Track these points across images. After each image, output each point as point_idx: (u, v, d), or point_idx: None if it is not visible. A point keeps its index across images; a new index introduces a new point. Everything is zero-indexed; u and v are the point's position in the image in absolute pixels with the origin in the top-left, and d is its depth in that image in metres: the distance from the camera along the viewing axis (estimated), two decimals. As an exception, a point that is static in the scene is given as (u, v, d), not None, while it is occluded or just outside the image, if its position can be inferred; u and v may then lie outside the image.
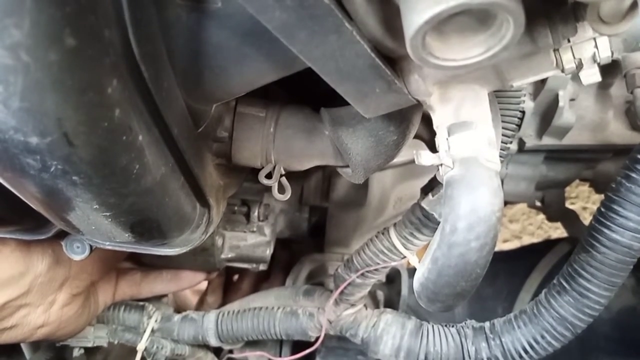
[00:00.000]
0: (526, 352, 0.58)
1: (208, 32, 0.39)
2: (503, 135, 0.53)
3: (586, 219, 1.23)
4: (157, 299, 0.86)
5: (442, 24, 0.28)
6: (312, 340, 0.73)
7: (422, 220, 0.55)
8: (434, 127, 0.40)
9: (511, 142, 0.56)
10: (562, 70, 0.39)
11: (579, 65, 0.39)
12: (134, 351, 0.77)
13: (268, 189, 0.54)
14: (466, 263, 0.36)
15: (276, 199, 0.54)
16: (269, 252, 0.85)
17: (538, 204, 1.18)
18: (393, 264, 0.60)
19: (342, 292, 0.66)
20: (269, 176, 0.53)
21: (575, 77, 0.91)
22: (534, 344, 0.57)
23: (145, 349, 0.77)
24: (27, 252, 0.60)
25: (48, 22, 0.25)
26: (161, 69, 0.36)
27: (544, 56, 0.39)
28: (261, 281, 1.07)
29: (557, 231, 2.13)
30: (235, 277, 1.10)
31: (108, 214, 0.39)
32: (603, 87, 0.97)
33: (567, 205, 1.19)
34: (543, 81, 0.91)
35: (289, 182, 0.54)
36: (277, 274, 1.06)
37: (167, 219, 0.45)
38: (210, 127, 0.50)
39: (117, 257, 0.78)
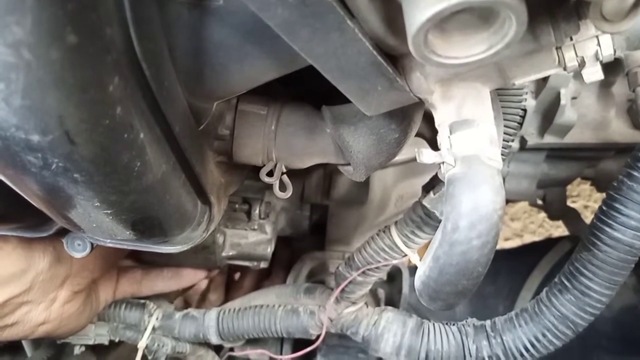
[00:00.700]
0: (527, 350, 0.58)
1: (209, 29, 0.39)
2: (505, 133, 0.53)
3: (587, 217, 1.23)
4: (158, 296, 0.86)
5: (445, 21, 0.28)
6: (313, 338, 0.73)
7: (423, 219, 0.55)
8: (436, 125, 0.40)
9: (513, 140, 0.56)
10: (565, 68, 0.39)
11: (582, 63, 0.39)
12: (135, 350, 0.77)
13: (269, 186, 0.53)
14: (468, 261, 0.36)
15: (277, 197, 0.54)
16: (270, 250, 0.85)
17: (539, 202, 1.18)
18: (394, 262, 0.60)
19: (343, 290, 0.67)
20: (270, 174, 0.53)
21: (577, 75, 0.91)
22: (535, 342, 0.57)
23: (146, 347, 0.77)
24: (29, 250, 0.60)
25: (50, 20, 0.25)
26: (162, 67, 0.36)
27: (546, 54, 0.38)
28: (262, 279, 1.08)
29: (559, 230, 2.13)
30: (237, 275, 1.10)
31: (109, 211, 0.39)
32: (605, 86, 0.97)
33: (569, 203, 1.19)
34: (545, 79, 0.91)
35: (290, 180, 0.54)
36: (278, 272, 1.06)
37: (168, 216, 0.45)
38: (211, 125, 0.50)
39: (118, 255, 0.78)
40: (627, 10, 0.32)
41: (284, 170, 0.54)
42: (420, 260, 0.42)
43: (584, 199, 2.15)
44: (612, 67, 0.87)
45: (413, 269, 0.52)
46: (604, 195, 0.54)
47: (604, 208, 0.52)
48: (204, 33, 0.39)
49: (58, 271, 0.64)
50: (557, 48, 0.38)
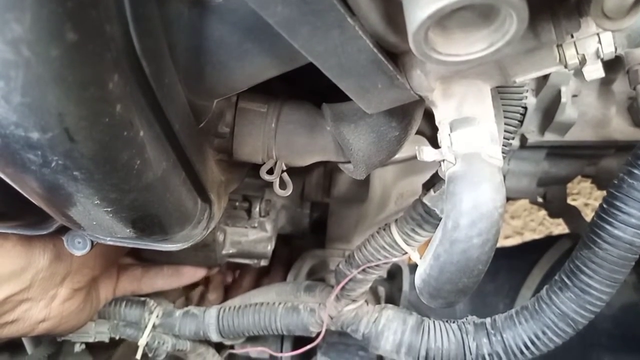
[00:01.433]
0: (527, 348, 0.58)
1: (209, 27, 0.39)
2: (505, 131, 0.53)
3: (588, 215, 1.23)
4: (158, 294, 0.86)
5: (445, 19, 0.28)
6: (313, 335, 0.73)
7: (423, 217, 0.55)
8: (436, 122, 0.40)
9: (513, 138, 0.56)
10: (565, 66, 0.39)
11: (582, 61, 0.38)
12: (136, 348, 0.77)
13: (269, 184, 0.53)
14: (468, 259, 0.36)
15: (277, 195, 0.54)
16: (270, 247, 0.85)
17: (540, 200, 1.18)
18: (394, 260, 0.60)
19: (343, 288, 0.67)
20: (270, 172, 0.53)
21: (578, 73, 0.91)
22: (535, 340, 0.57)
23: (147, 345, 0.77)
24: (29, 247, 0.60)
25: (49, 17, 0.25)
26: (162, 65, 0.36)
27: (547, 52, 0.38)
28: (262, 277, 1.08)
29: (559, 227, 2.13)
30: (236, 273, 1.10)
31: (109, 209, 0.39)
32: (606, 83, 0.97)
33: (569, 201, 1.19)
34: (545, 77, 0.91)
35: (291, 178, 0.54)
36: (278, 270, 1.06)
37: (168, 214, 0.45)
38: (211, 123, 0.49)
39: (118, 253, 0.78)
40: (629, 8, 0.32)
41: (284, 168, 0.54)
42: (421, 258, 0.42)
43: (585, 197, 2.15)
44: (613, 65, 0.87)
45: (413, 267, 0.52)
46: (604, 193, 0.54)
47: (605, 206, 0.52)
48: (204, 31, 0.39)
49: (58, 269, 0.64)
50: (558, 45, 0.38)
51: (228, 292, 1.05)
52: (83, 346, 0.80)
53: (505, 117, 0.53)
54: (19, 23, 0.24)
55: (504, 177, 1.04)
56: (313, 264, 0.95)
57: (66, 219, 0.41)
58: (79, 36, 0.26)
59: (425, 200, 0.54)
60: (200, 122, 0.47)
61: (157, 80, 0.34)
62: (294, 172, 0.55)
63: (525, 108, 0.94)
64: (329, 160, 0.56)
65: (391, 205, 0.99)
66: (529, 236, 2.24)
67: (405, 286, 0.87)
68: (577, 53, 0.38)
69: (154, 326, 0.77)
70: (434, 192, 0.53)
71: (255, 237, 0.84)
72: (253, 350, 0.86)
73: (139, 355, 0.77)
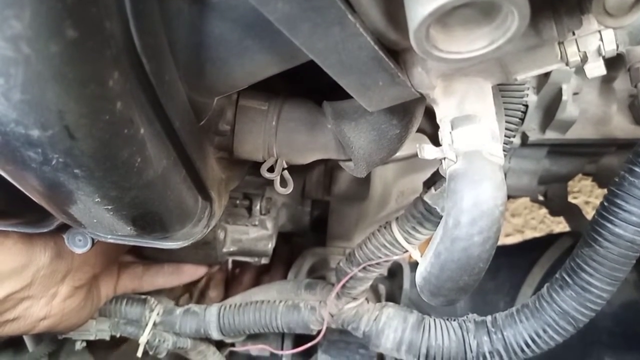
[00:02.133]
0: (528, 346, 0.58)
1: (210, 24, 0.39)
2: (506, 129, 0.53)
3: (589, 213, 1.23)
4: (159, 292, 0.86)
5: (446, 16, 0.28)
6: (314, 333, 0.73)
7: (424, 215, 0.55)
8: (437, 120, 0.40)
9: (514, 136, 0.56)
10: (567, 64, 0.39)
11: (584, 59, 0.38)
12: (137, 345, 0.77)
13: (270, 182, 0.53)
14: (469, 257, 0.36)
15: (278, 193, 0.54)
16: (270, 245, 0.85)
17: (540, 198, 1.18)
18: (395, 258, 0.60)
19: (344, 286, 0.67)
20: (271, 170, 0.53)
21: (579, 70, 0.91)
22: (535, 338, 0.57)
23: (147, 342, 0.77)
24: (30, 245, 0.60)
25: (49, 14, 0.25)
26: (163, 62, 0.35)
27: (548, 49, 0.38)
28: (263, 275, 1.08)
29: (560, 225, 2.13)
30: (237, 270, 1.10)
31: (110, 207, 0.38)
32: (607, 81, 0.97)
33: (570, 199, 1.19)
34: (546, 75, 0.91)
35: (291, 176, 0.54)
36: (278, 268, 1.06)
37: (168, 212, 0.45)
38: (212, 120, 0.49)
39: (119, 250, 0.78)
40: (630, 5, 0.32)
41: (285, 166, 0.54)
42: (421, 256, 0.42)
43: (585, 195, 2.15)
44: (614, 63, 0.87)
45: (414, 265, 0.52)
46: (605, 191, 0.54)
47: (606, 204, 0.52)
48: (204, 27, 0.39)
49: (59, 266, 0.64)
50: (559, 43, 0.38)
51: (229, 290, 1.05)
52: (84, 344, 0.80)
53: (506, 115, 0.53)
54: (19, 20, 0.24)
55: (505, 175, 1.05)
56: (314, 261, 0.95)
57: (67, 217, 0.41)
58: (78, 33, 0.26)
59: (426, 198, 0.54)
60: (200, 119, 0.47)
61: (158, 78, 0.34)
62: (295, 170, 0.55)
63: (526, 106, 0.94)
64: (329, 158, 0.55)
65: (392, 203, 0.99)
66: (529, 234, 2.24)
67: (406, 284, 0.87)
68: (579, 50, 0.38)
69: (154, 324, 0.78)
70: (435, 190, 0.53)
71: (256, 235, 0.84)
72: (254, 348, 0.86)
73: (139, 353, 0.77)
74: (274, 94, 0.55)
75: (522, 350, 0.58)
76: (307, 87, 0.57)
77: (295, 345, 0.84)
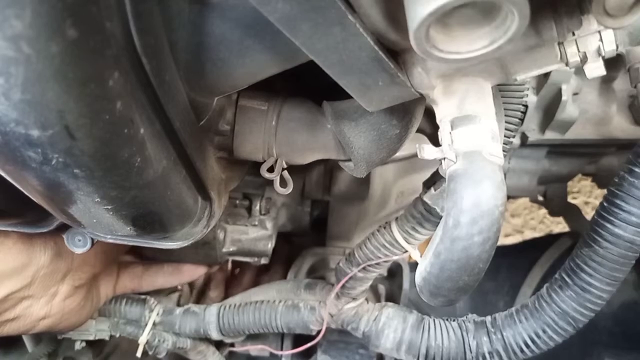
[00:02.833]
0: (527, 346, 0.58)
1: (210, 24, 0.39)
2: (506, 129, 0.53)
3: (588, 213, 1.23)
4: (158, 292, 0.86)
5: (446, 16, 0.28)
6: (314, 333, 0.73)
7: (424, 215, 0.55)
8: (437, 120, 0.40)
9: (514, 136, 0.56)
10: (567, 64, 0.39)
11: (584, 59, 0.38)
12: (137, 345, 0.77)
13: (270, 182, 0.53)
14: (469, 257, 0.36)
15: (278, 193, 0.54)
16: (270, 245, 0.85)
17: (540, 198, 1.18)
18: (394, 258, 0.60)
19: (343, 286, 0.67)
20: (270, 170, 0.53)
21: (579, 71, 0.91)
22: (535, 338, 0.57)
23: (147, 342, 0.77)
24: (30, 244, 0.60)
25: (49, 13, 0.25)
26: (163, 62, 0.35)
27: (548, 49, 0.38)
28: (262, 275, 1.08)
29: (559, 226, 2.13)
30: (236, 271, 1.10)
31: (109, 207, 0.38)
32: (606, 81, 0.97)
33: (569, 200, 1.19)
34: (546, 75, 0.91)
35: (291, 176, 0.54)
36: (278, 268, 1.06)
37: (168, 212, 0.45)
38: (212, 120, 0.49)
39: (118, 250, 0.78)
40: (630, 5, 0.32)
41: (285, 166, 0.54)
42: (421, 256, 0.42)
43: (585, 195, 2.15)
44: (614, 63, 0.87)
45: (413, 265, 0.52)
46: (604, 191, 0.54)
47: (605, 204, 0.52)
48: (204, 27, 0.39)
49: (59, 266, 0.64)
50: (559, 43, 0.38)
51: (228, 290, 1.05)
52: (83, 344, 0.80)
53: (506, 115, 0.53)
54: (19, 19, 0.24)
55: (505, 175, 1.05)
56: (313, 262, 0.95)
57: (66, 217, 0.41)
58: (79, 33, 0.26)
59: (426, 198, 0.54)
60: (200, 119, 0.47)
61: (158, 78, 0.34)
62: (295, 170, 0.55)
63: (526, 106, 0.94)
64: (329, 158, 0.55)
65: (392, 203, 0.99)
66: (529, 234, 2.24)
67: (406, 284, 0.87)
68: (579, 51, 0.38)
69: (154, 324, 0.78)
70: (435, 190, 0.53)
71: (256, 235, 0.84)
72: (253, 349, 0.86)
73: (139, 353, 0.77)
74: (274, 94, 0.55)
75: (522, 351, 0.58)
76: (307, 87, 0.57)
77: (294, 346, 0.84)
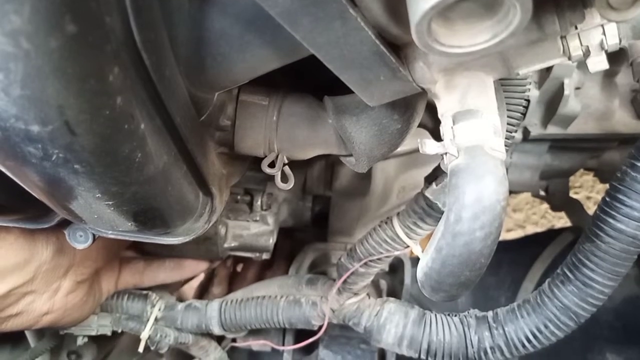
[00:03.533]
0: (529, 341, 0.58)
1: (210, 19, 0.39)
2: (508, 123, 0.53)
3: (590, 208, 1.23)
4: (160, 287, 0.86)
5: (448, 10, 0.28)
6: (315, 329, 0.73)
7: (425, 210, 0.55)
8: (439, 115, 0.40)
9: (516, 131, 0.55)
10: (569, 58, 0.38)
11: (586, 53, 0.38)
12: (139, 340, 0.78)
13: (271, 178, 0.53)
14: (470, 252, 0.36)
15: (279, 188, 0.54)
16: (272, 241, 0.85)
17: (542, 193, 1.18)
18: (396, 253, 0.60)
19: (345, 281, 0.67)
20: (272, 165, 0.53)
21: (581, 65, 0.91)
22: (537, 333, 0.57)
23: (149, 338, 0.77)
24: (32, 240, 0.60)
25: (48, 8, 0.25)
26: (163, 57, 0.35)
27: (550, 43, 0.38)
28: (264, 270, 1.08)
29: (561, 221, 2.13)
30: (239, 266, 1.11)
31: (110, 202, 0.38)
32: (609, 76, 0.96)
33: (571, 194, 1.19)
34: (548, 69, 0.91)
35: (292, 171, 0.54)
36: (280, 263, 1.06)
37: (169, 207, 0.45)
38: (212, 116, 0.49)
39: (120, 245, 0.78)
40: (634, -2, 0.31)
41: (286, 161, 0.54)
42: (423, 251, 0.42)
43: (587, 190, 2.15)
44: (616, 57, 0.86)
45: (415, 260, 0.52)
46: (607, 186, 0.53)
47: (607, 199, 0.52)
48: (204, 22, 0.39)
49: (61, 261, 0.64)
50: (561, 37, 0.38)
51: (231, 286, 1.05)
52: (85, 339, 0.81)
53: (508, 110, 0.53)
54: (18, 14, 0.24)
55: (507, 170, 1.04)
56: (315, 257, 0.95)
57: (67, 213, 0.41)
58: (78, 28, 0.26)
59: (428, 193, 0.54)
60: (201, 115, 0.47)
61: (158, 73, 0.34)
62: (296, 165, 0.55)
63: (528, 100, 0.93)
64: (330, 153, 0.55)
65: (393, 198, 0.99)
66: (531, 229, 2.24)
67: (407, 279, 0.88)
68: (581, 44, 0.38)
69: (156, 319, 0.78)
70: (436, 185, 0.53)
71: (257, 230, 0.84)
72: (255, 344, 0.87)
73: (141, 348, 0.77)
74: (275, 89, 0.55)
75: (523, 346, 0.58)
76: (308, 82, 0.57)
77: (296, 341, 0.84)
